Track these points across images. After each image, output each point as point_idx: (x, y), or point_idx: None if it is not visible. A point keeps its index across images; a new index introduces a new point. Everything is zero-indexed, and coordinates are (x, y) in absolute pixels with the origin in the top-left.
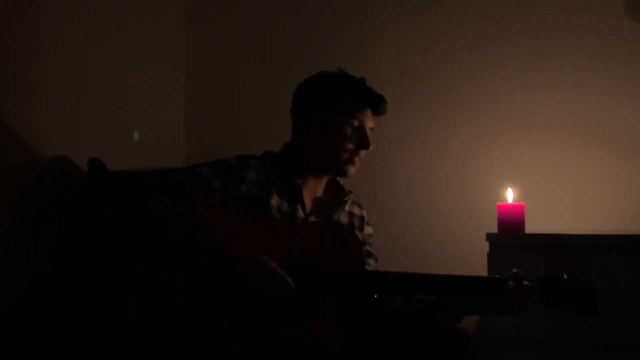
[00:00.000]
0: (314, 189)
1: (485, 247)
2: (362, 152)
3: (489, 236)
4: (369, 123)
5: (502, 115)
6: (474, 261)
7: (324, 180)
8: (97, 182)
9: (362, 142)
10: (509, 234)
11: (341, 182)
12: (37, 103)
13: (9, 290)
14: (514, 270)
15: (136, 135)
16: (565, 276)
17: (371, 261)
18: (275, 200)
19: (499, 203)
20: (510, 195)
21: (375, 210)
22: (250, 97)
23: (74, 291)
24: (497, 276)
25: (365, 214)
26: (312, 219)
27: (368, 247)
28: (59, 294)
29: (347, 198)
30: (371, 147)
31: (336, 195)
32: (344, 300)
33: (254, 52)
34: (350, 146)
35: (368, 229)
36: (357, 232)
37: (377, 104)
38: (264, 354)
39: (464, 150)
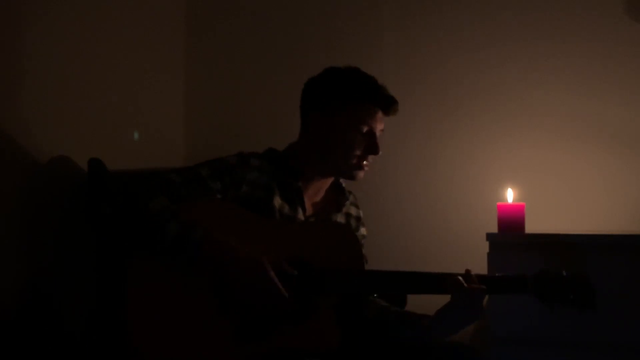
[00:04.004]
0: (315, 192)
1: (485, 247)
2: (371, 157)
3: (489, 236)
4: (380, 126)
5: (502, 116)
6: (474, 261)
7: (329, 181)
8: (97, 182)
9: (372, 147)
10: (509, 234)
11: (343, 185)
12: (37, 103)
13: (9, 289)
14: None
15: (136, 135)
16: (564, 273)
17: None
18: (277, 201)
19: (499, 203)
20: (510, 195)
21: (376, 210)
22: (250, 98)
23: (74, 291)
24: (498, 274)
25: (361, 214)
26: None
27: None
28: (59, 293)
29: (347, 202)
30: (381, 152)
31: (336, 197)
32: (344, 298)
33: (254, 53)
34: (359, 152)
35: (362, 230)
36: None
37: (389, 107)
38: (264, 355)
39: (464, 150)
